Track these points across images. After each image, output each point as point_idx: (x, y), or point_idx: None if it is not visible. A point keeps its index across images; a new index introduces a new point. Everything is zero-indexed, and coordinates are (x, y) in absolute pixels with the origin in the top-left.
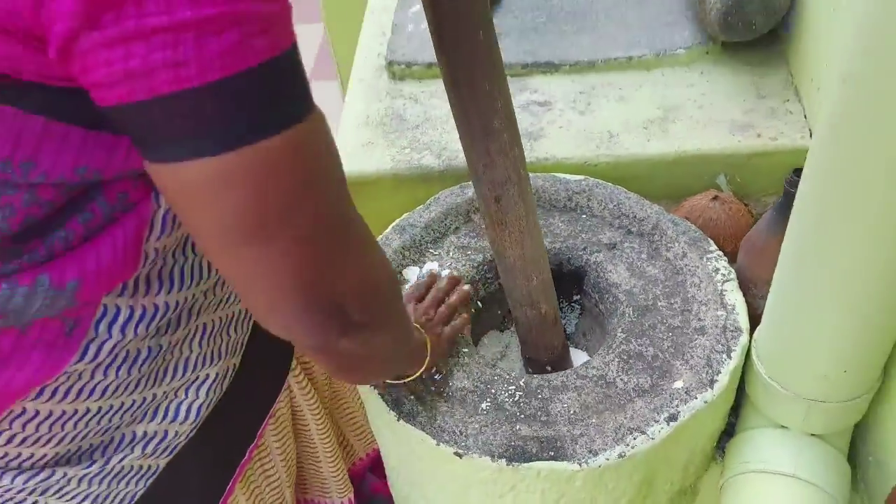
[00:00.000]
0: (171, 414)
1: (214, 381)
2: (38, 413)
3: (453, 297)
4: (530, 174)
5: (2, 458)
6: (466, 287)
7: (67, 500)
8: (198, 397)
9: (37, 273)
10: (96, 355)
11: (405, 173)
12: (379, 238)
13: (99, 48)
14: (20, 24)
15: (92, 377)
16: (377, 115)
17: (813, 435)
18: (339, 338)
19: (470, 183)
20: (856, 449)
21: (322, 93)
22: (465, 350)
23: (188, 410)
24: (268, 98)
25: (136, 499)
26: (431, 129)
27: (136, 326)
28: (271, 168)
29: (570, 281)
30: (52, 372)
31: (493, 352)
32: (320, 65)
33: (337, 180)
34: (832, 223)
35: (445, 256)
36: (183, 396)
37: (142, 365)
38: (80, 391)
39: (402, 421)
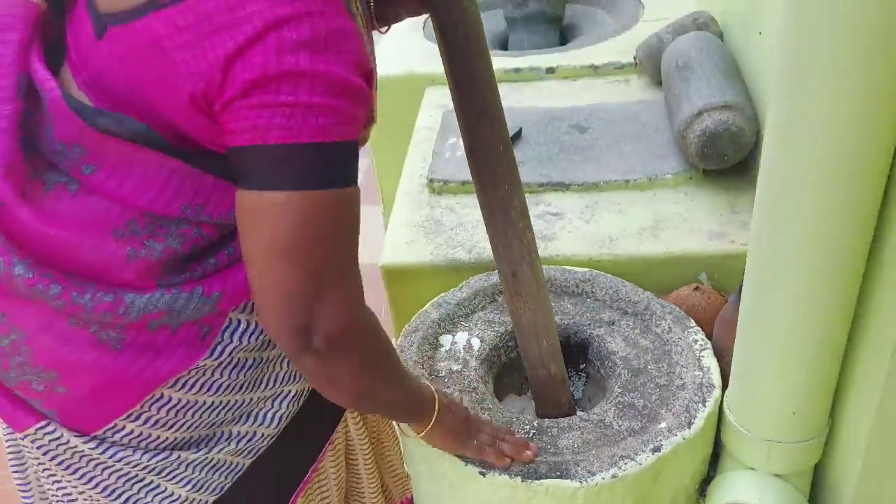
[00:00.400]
0: (259, 419)
1: (293, 397)
2: (171, 399)
3: (519, 447)
4: (545, 267)
5: (138, 437)
6: (529, 454)
7: (174, 482)
8: (280, 408)
9: (194, 285)
10: (220, 355)
11: (441, 264)
12: (419, 312)
13: (243, 108)
14: (209, 98)
15: (212, 375)
16: (419, 220)
17: (777, 476)
18: (301, 352)
19: (495, 271)
20: (816, 490)
21: (365, 215)
22: (490, 407)
23: (272, 418)
24: (331, 164)
25: (223, 491)
26: (463, 232)
27: (249, 337)
28: (315, 211)
29: (577, 351)
30: (189, 364)
31: (512, 411)
32: (365, 191)
33: (350, 239)
34: (767, 302)
35: (474, 328)
36: (269, 406)
37: (247, 371)
38: (203, 385)
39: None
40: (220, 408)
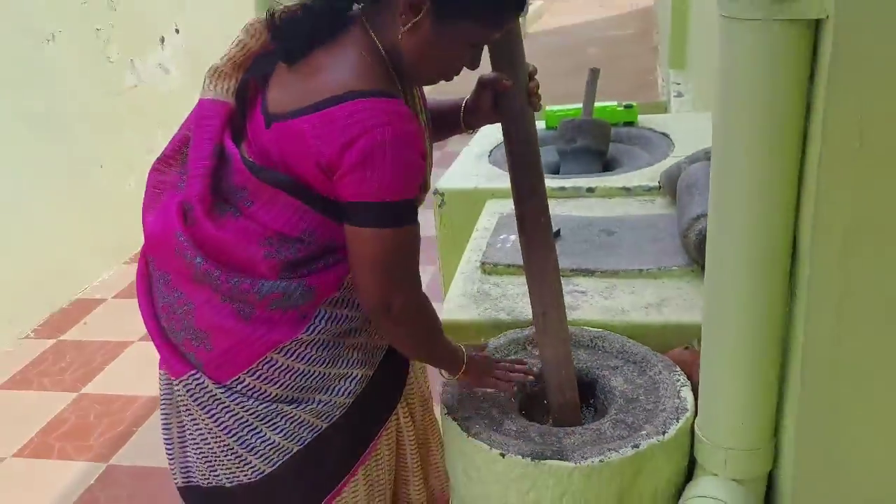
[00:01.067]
0: (334, 391)
1: (359, 380)
2: (277, 362)
3: (516, 369)
4: (570, 328)
5: (253, 388)
6: (530, 378)
7: (271, 428)
8: (349, 386)
9: (301, 280)
10: (312, 332)
11: (486, 322)
12: None
13: (350, 179)
14: (330, 169)
15: (305, 348)
16: (471, 291)
17: (735, 481)
18: (384, 320)
19: (527, 328)
20: (771, 496)
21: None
22: (514, 418)
23: (343, 392)
24: (398, 213)
25: (305, 443)
26: (506, 301)
27: (332, 323)
28: (389, 240)
29: (588, 388)
30: (291, 336)
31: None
32: (433, 288)
33: (411, 255)
34: (719, 342)
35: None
36: (341, 383)
37: (329, 350)
38: (298, 355)
39: (469, 437)
40: (308, 376)
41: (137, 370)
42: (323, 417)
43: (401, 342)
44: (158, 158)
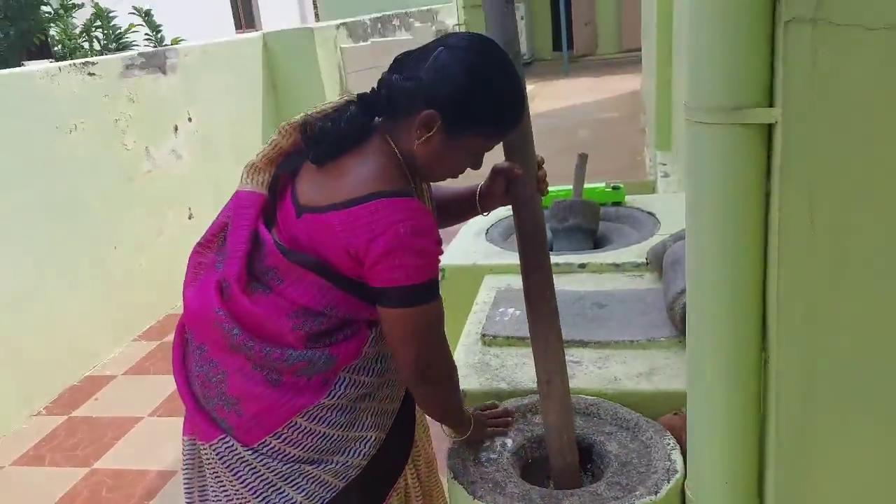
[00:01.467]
0: (350, 453)
1: (373, 442)
2: (300, 426)
3: (501, 421)
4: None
5: (278, 451)
6: (510, 420)
7: (293, 488)
8: (364, 448)
9: (324, 350)
10: (333, 398)
11: (487, 392)
12: None
13: (378, 268)
14: (358, 258)
15: (327, 412)
16: (472, 362)
17: None
18: (423, 385)
19: (527, 396)
20: None
21: None
22: (515, 481)
23: (358, 454)
24: (424, 292)
25: (323, 502)
26: (505, 371)
27: (351, 389)
28: (421, 315)
29: (585, 453)
30: (314, 401)
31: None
32: None
33: (439, 327)
34: (701, 410)
35: (508, 433)
36: (357, 445)
37: (346, 414)
38: (320, 419)
39: (475, 500)
40: (329, 438)
41: (148, 445)
42: (340, 477)
43: (431, 401)
44: (199, 243)
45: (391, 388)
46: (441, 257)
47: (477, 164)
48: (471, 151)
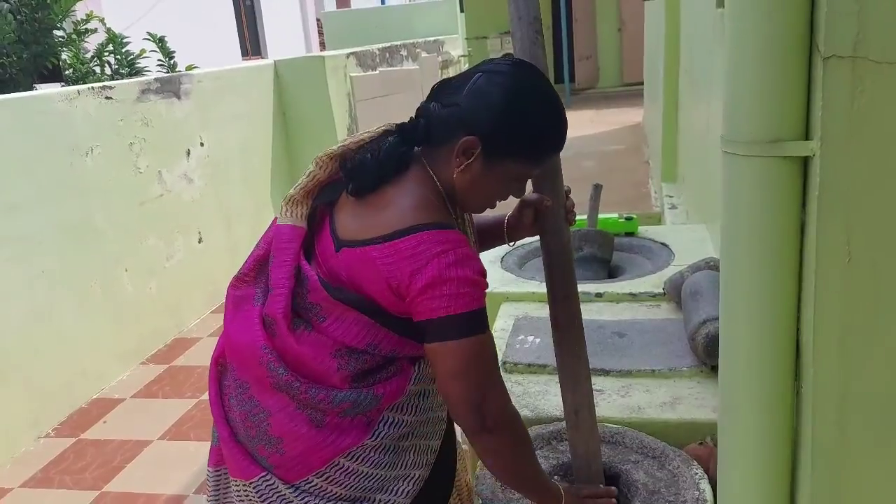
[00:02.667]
0: (392, 491)
1: (416, 480)
2: (344, 465)
3: (603, 502)
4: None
5: (320, 489)
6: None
7: None
8: (407, 486)
9: (369, 389)
10: (377, 438)
11: None
12: None
13: (422, 299)
14: (400, 292)
15: (370, 453)
16: None
17: None
18: (479, 432)
19: (551, 423)
20: None
21: None
22: None
23: (403, 492)
24: (472, 322)
25: None
26: (528, 398)
27: (395, 428)
28: (469, 349)
29: (612, 481)
30: (359, 441)
31: None
32: None
33: (492, 360)
34: (730, 441)
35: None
36: (400, 484)
37: (389, 454)
38: (363, 459)
39: None
40: (371, 478)
41: (157, 469)
42: None
43: (498, 458)
44: (236, 276)
45: (433, 425)
46: (484, 290)
47: (519, 192)
48: (510, 178)
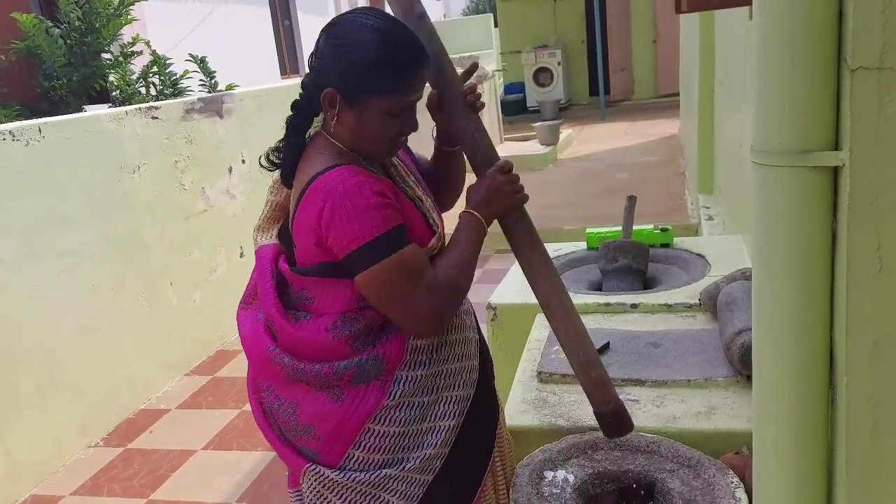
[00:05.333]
0: (426, 445)
1: (447, 431)
2: (375, 431)
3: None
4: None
5: (362, 461)
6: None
7: (387, 492)
8: (439, 437)
9: (371, 350)
10: (395, 398)
11: (546, 428)
12: (527, 456)
13: (331, 241)
14: (319, 239)
15: (394, 412)
16: (530, 399)
17: None
18: (434, 329)
19: (587, 433)
20: None
21: None
22: None
23: (434, 444)
24: (383, 244)
25: (418, 499)
26: (563, 408)
27: (410, 385)
28: (392, 267)
29: (648, 490)
30: (379, 404)
31: None
32: None
33: (419, 270)
34: (766, 455)
35: (569, 468)
36: (431, 437)
37: (414, 410)
38: (390, 419)
39: None
40: (403, 436)
41: (202, 477)
42: (426, 472)
43: (456, 308)
44: (240, 302)
45: (455, 376)
46: (391, 209)
47: (407, 126)
48: (385, 113)
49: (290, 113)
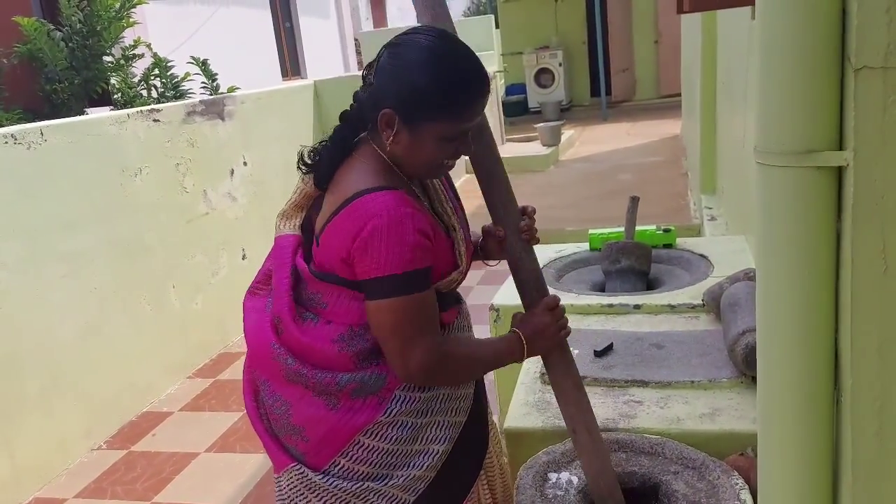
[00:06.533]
0: (413, 466)
1: (437, 455)
2: (364, 443)
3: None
4: (628, 435)
5: (346, 469)
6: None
7: (366, 503)
8: (428, 461)
9: (374, 369)
10: (390, 415)
11: (550, 430)
12: (530, 458)
13: (359, 259)
14: (348, 257)
15: (387, 429)
16: (532, 400)
17: None
18: (408, 377)
19: None
20: None
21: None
22: None
23: (423, 466)
24: (407, 281)
25: None
26: None
27: (406, 405)
28: (404, 307)
29: (651, 492)
30: (373, 419)
31: None
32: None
33: (428, 318)
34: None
35: (573, 471)
36: (421, 458)
37: (407, 430)
38: (381, 435)
39: None
40: (391, 454)
41: (205, 480)
42: (409, 491)
43: (438, 382)
44: (249, 290)
45: (451, 401)
46: (425, 250)
47: (461, 150)
48: (440, 139)
49: (302, 114)
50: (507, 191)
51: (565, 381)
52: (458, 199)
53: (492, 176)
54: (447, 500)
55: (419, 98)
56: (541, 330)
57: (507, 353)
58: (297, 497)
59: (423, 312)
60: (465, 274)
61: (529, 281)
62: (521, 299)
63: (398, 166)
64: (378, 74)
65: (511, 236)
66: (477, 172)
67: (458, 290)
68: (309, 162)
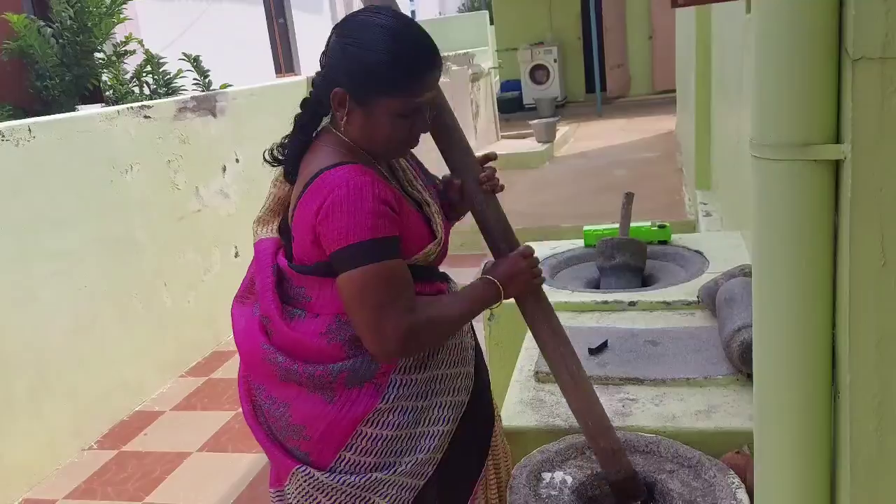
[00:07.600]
0: (418, 450)
1: (440, 436)
2: (366, 434)
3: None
4: (623, 433)
5: (353, 463)
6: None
7: (377, 495)
8: (432, 443)
9: (365, 354)
10: (389, 401)
11: (544, 428)
12: (524, 458)
13: (323, 233)
14: (315, 235)
15: (387, 416)
16: (527, 399)
17: None
18: (384, 354)
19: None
20: None
21: None
22: None
23: (427, 448)
24: (368, 249)
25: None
26: (561, 408)
27: (404, 389)
28: (362, 279)
29: (647, 490)
30: (372, 407)
31: None
32: None
33: (398, 288)
34: (768, 456)
35: (567, 469)
36: (425, 441)
37: (407, 414)
38: (382, 423)
39: None
40: (395, 440)
41: (196, 480)
42: (418, 476)
43: (423, 349)
44: (236, 296)
45: (450, 381)
46: (388, 219)
47: (417, 127)
48: (394, 114)
49: (298, 111)
50: (460, 139)
51: (542, 327)
52: (430, 177)
53: (446, 131)
54: (456, 482)
55: (368, 74)
56: (515, 273)
57: (482, 298)
58: (305, 501)
59: (392, 283)
60: (445, 247)
61: (496, 230)
62: (491, 253)
63: (361, 149)
64: (328, 56)
65: (471, 185)
66: (432, 131)
67: (454, 287)
68: (277, 156)
